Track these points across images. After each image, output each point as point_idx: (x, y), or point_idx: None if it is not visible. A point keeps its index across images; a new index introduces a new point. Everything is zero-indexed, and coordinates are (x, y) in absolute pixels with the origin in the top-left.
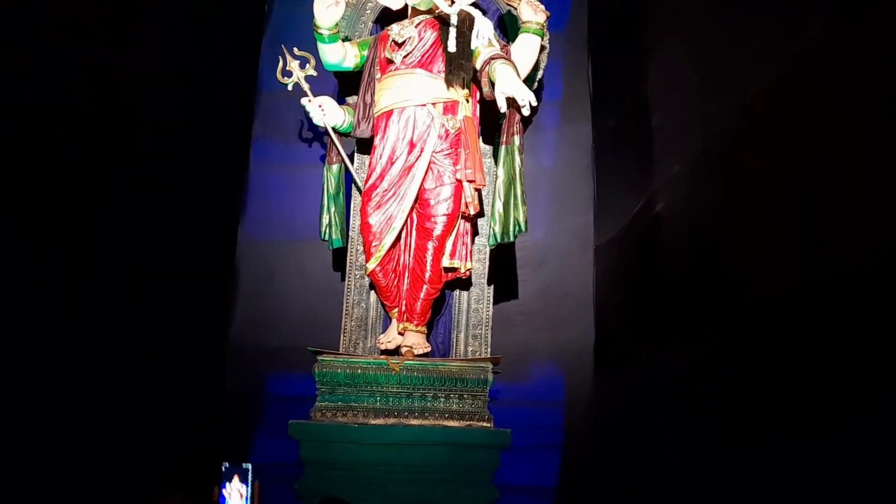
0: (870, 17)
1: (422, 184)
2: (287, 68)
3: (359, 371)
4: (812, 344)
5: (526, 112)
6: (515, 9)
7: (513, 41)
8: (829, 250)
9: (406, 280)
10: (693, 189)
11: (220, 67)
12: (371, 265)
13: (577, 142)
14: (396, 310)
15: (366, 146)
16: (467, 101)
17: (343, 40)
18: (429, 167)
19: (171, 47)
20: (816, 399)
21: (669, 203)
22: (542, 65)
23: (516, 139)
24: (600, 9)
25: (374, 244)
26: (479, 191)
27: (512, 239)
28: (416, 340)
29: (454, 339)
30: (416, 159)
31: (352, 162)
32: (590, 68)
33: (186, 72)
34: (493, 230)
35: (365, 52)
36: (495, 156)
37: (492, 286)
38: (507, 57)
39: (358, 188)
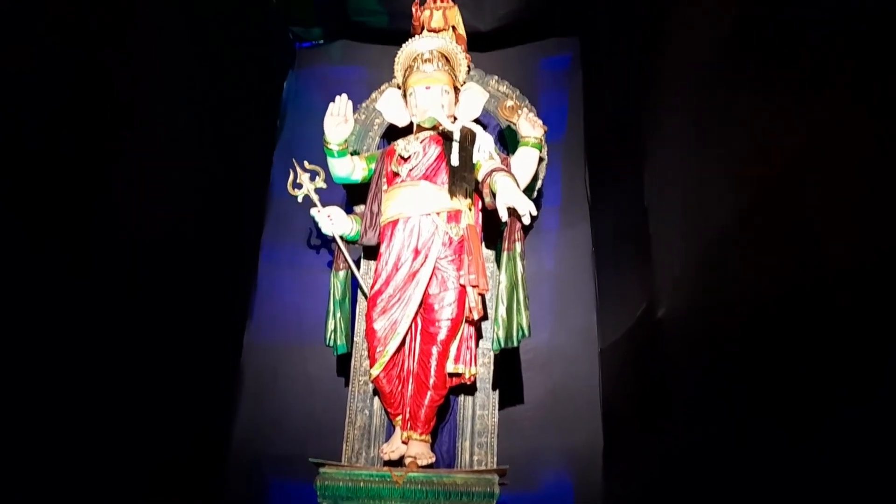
0: (850, 125)
1: (426, 289)
2: (297, 181)
3: (361, 484)
4: (816, 429)
5: (527, 221)
6: (515, 124)
7: (513, 154)
8: (829, 349)
9: (410, 386)
10: (693, 290)
11: (235, 174)
12: (375, 371)
13: (578, 244)
14: (400, 417)
15: (372, 253)
16: (470, 210)
17: (352, 154)
18: (433, 273)
19: (187, 151)
20: (824, 480)
21: (671, 304)
22: (542, 175)
23: (518, 246)
24: (596, 121)
25: (378, 349)
26: (482, 295)
27: (515, 344)
28: (420, 450)
29: (459, 448)
30: (421, 265)
31: (358, 268)
32: (587, 175)
33: (203, 176)
34: (497, 335)
35: (372, 166)
36: (498, 261)
37: (497, 391)
38: (507, 169)
39: (364, 294)
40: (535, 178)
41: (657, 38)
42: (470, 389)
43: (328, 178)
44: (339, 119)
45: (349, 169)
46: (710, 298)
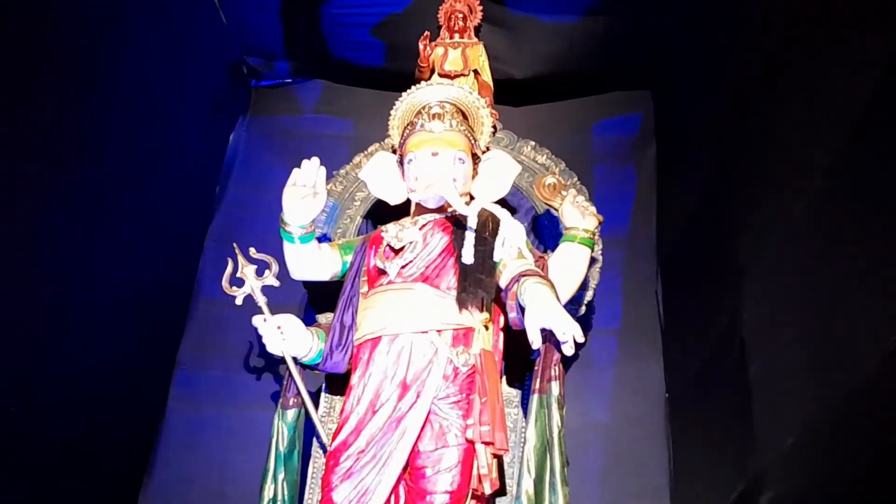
0: None
1: (415, 444)
2: (238, 275)
3: None
4: None
5: (569, 351)
6: (557, 210)
7: (553, 252)
8: None
9: None
10: (814, 472)
11: (143, 262)
12: None
13: (644, 388)
14: None
15: (339, 385)
16: (486, 330)
17: (320, 241)
18: (427, 420)
19: None
20: None
21: (781, 489)
22: (593, 283)
23: (555, 388)
24: (674, 210)
25: None
26: (498, 457)
27: None
28: None
29: None
30: (410, 408)
31: (316, 407)
32: (659, 288)
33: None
34: None
35: (348, 258)
36: (524, 407)
37: None
38: (543, 274)
39: (322, 446)
40: (584, 286)
41: (771, 100)
42: None
43: (283, 272)
44: (305, 191)
45: (315, 261)
46: (839, 487)
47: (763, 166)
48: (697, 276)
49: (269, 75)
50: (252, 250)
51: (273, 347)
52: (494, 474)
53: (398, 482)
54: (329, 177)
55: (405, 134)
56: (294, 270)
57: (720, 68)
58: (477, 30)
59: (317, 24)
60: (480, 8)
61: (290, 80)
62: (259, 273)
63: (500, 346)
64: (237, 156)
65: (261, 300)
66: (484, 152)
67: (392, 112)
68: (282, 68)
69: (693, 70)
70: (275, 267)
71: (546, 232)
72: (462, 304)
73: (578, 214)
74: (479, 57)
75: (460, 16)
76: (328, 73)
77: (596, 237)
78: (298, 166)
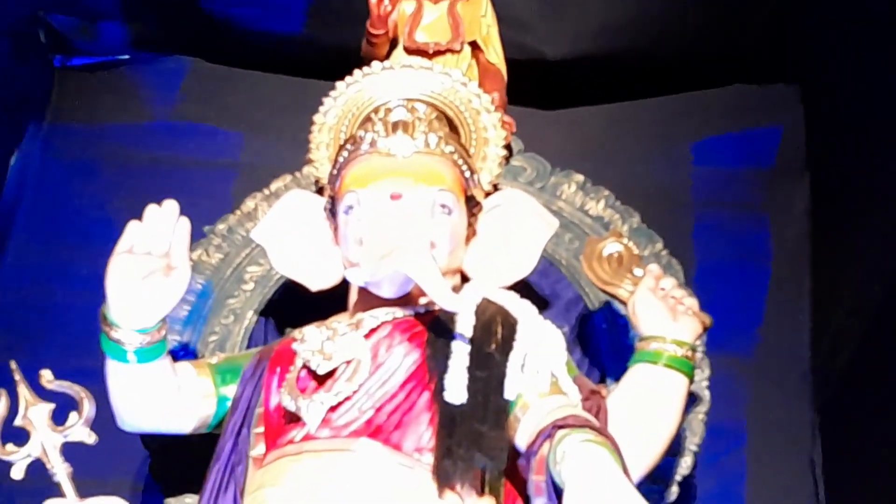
0: None
1: None
2: (18, 422)
3: None
4: None
5: None
6: (624, 302)
7: (617, 379)
8: None
9: None
10: None
11: None
12: None
13: None
14: None
15: None
16: None
17: (175, 355)
18: None
19: None
20: None
21: None
22: (694, 442)
23: None
24: (846, 306)
25: None
26: None
27: None
28: None
29: None
30: None
31: None
32: (818, 454)
33: None
34: None
35: (229, 391)
36: None
37: None
38: (597, 426)
39: None
40: (676, 448)
41: None
42: None
43: (104, 417)
44: (150, 263)
45: (165, 397)
46: None
47: None
48: (891, 435)
49: (86, 47)
50: (45, 375)
51: None
52: None
53: None
54: (196, 237)
55: (342, 158)
56: (124, 414)
57: None
58: None
59: None
60: None
61: (125, 58)
62: (58, 419)
63: None
64: (25, 193)
65: (59, 469)
66: (489, 193)
67: (317, 118)
68: (110, 35)
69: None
70: (87, 407)
71: (604, 344)
72: (445, 480)
73: (666, 314)
74: (479, 18)
75: None
76: (198, 45)
77: (698, 356)
78: (137, 216)
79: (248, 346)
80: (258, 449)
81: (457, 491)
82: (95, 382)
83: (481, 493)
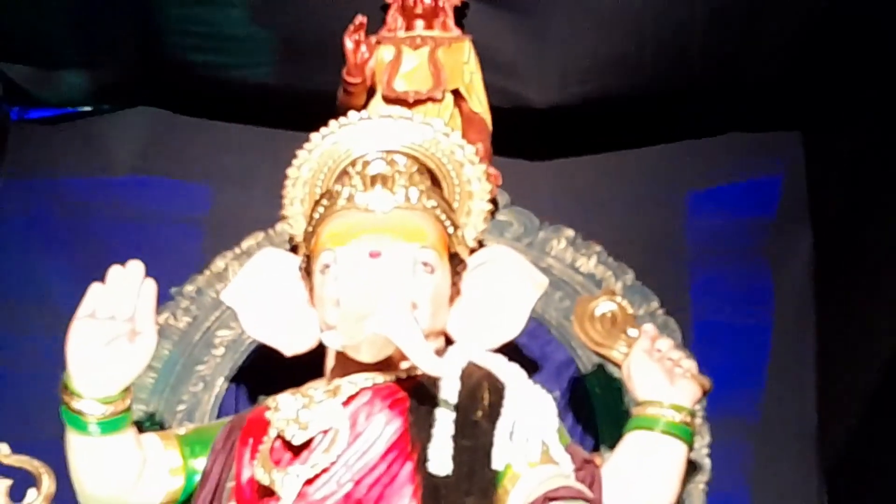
0: None
1: None
2: None
3: None
4: None
5: None
6: (618, 365)
7: (611, 447)
8: None
9: None
10: None
11: None
12: None
13: None
14: None
15: None
16: None
17: (140, 427)
18: None
19: None
20: None
21: None
22: None
23: None
24: (855, 368)
25: None
26: None
27: None
28: None
29: None
30: None
31: None
32: None
33: None
34: None
35: (199, 463)
36: None
37: None
38: (590, 497)
39: None
40: None
41: None
42: None
43: (65, 494)
44: (113, 328)
45: (128, 471)
46: None
47: None
48: None
49: (44, 98)
50: (1, 449)
51: None
52: None
53: None
54: (163, 299)
55: (318, 214)
56: (86, 489)
57: None
58: (460, 14)
59: None
60: None
61: (85, 110)
62: (15, 495)
63: None
64: None
65: None
66: (474, 250)
67: (291, 171)
68: (70, 85)
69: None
70: (47, 483)
71: (598, 409)
72: None
73: (663, 377)
74: (462, 65)
75: None
76: (161, 93)
77: (698, 422)
78: (100, 277)
79: (219, 416)
80: None
81: None
82: (55, 455)
83: None
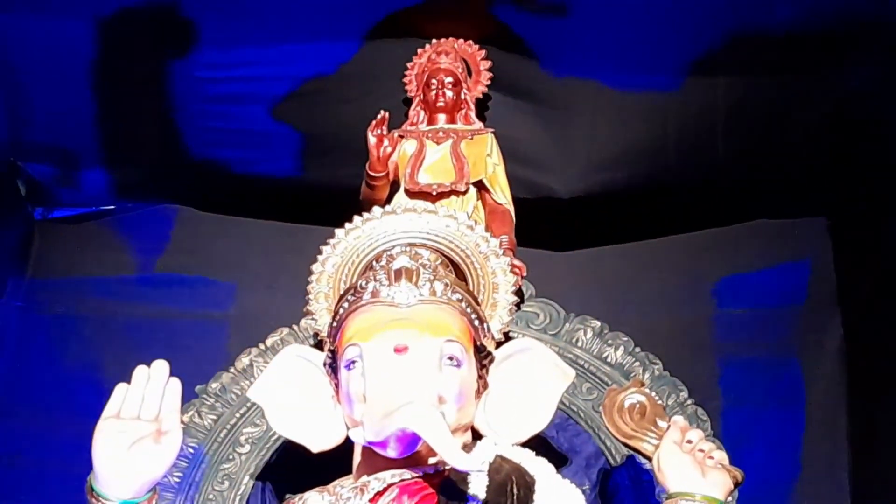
0: None
1: None
2: None
3: None
4: None
5: None
6: (649, 457)
7: None
8: None
9: None
10: None
11: None
12: None
13: None
14: None
15: None
16: None
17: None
18: None
19: None
20: None
21: None
22: None
23: None
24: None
25: None
26: None
27: None
28: None
29: None
30: None
31: None
32: None
33: None
34: None
35: None
36: None
37: None
38: None
39: None
40: None
41: None
42: None
43: None
44: (139, 429)
45: None
46: None
47: None
48: None
49: (67, 197)
50: None
51: None
52: None
53: None
54: (188, 397)
55: (343, 309)
56: None
57: None
58: (482, 106)
59: (164, 94)
60: (488, 65)
61: (109, 208)
62: None
63: None
64: (4, 352)
65: None
66: (500, 343)
67: (315, 266)
68: (92, 184)
69: None
70: None
71: (629, 502)
72: None
73: (694, 468)
74: (485, 157)
75: (449, 80)
76: (183, 190)
77: None
78: (125, 375)
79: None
80: None
81: None
82: None
83: None
